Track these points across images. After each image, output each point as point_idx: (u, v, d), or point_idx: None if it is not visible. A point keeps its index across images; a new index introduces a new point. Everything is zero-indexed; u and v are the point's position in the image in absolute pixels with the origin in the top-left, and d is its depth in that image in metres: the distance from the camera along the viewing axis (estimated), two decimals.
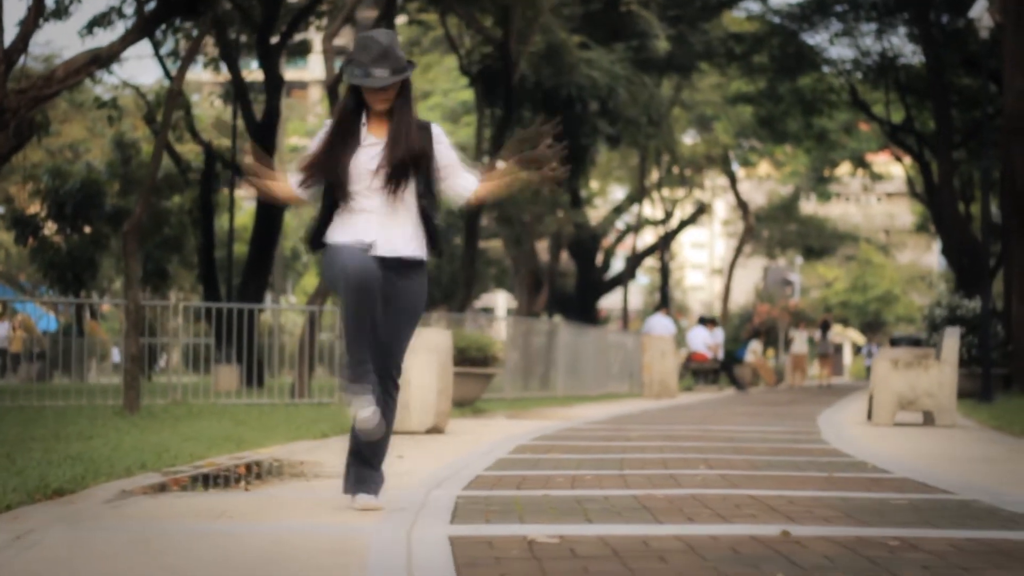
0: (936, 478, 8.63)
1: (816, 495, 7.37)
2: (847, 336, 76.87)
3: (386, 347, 6.56)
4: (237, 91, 32.80)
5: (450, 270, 45.70)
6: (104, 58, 19.45)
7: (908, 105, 38.48)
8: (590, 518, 6.25)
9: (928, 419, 16.02)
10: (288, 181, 6.67)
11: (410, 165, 6.52)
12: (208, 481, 8.10)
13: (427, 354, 13.10)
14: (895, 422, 16.11)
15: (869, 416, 16.15)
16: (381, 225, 6.51)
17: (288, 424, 13.89)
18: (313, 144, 6.66)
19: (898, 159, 44.96)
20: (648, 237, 60.26)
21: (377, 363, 6.53)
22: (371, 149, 6.54)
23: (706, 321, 34.86)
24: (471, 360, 18.50)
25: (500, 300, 75.90)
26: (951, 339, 15.64)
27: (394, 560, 5.03)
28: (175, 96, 17.18)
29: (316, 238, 6.59)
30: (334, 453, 10.46)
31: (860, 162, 50.72)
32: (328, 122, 6.75)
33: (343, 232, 6.50)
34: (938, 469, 9.45)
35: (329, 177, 6.53)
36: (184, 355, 33.53)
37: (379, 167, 6.47)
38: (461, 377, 18.31)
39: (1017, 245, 26.80)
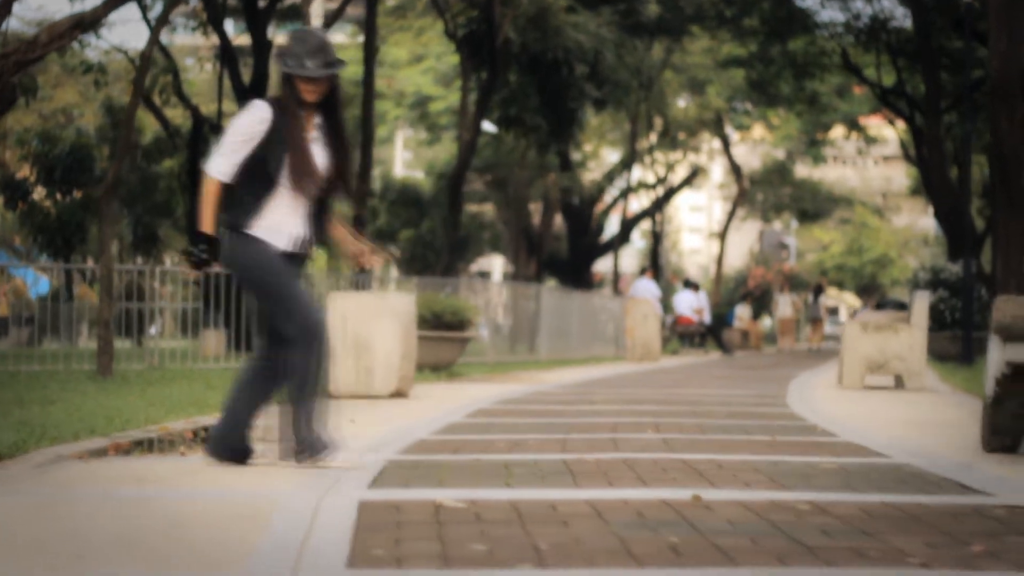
0: (879, 442, 8.64)
1: (748, 459, 7.38)
2: (843, 299, 76.87)
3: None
4: (224, 55, 32.72)
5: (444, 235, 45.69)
6: (88, 22, 19.35)
7: (899, 68, 38.33)
8: (510, 483, 6.26)
9: (899, 383, 16.04)
10: (214, 187, 6.76)
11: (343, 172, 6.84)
12: (149, 446, 8.11)
13: (390, 319, 13.11)
14: (866, 386, 16.12)
15: (840, 380, 16.18)
16: (303, 221, 6.78)
17: None
18: (244, 127, 6.68)
19: (891, 122, 44.84)
20: (644, 200, 60.19)
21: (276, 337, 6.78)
22: (313, 145, 6.77)
23: (691, 284, 34.85)
24: (447, 325, 18.51)
25: (497, 264, 75.90)
26: (921, 302, 15.64)
27: (296, 524, 5.03)
28: (146, 59, 17.12)
29: (243, 221, 6.67)
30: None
31: (853, 125, 50.60)
32: (260, 104, 6.75)
33: (273, 229, 6.72)
34: (886, 433, 9.46)
35: (279, 167, 6.70)
36: (176, 320, 33.55)
37: (318, 168, 6.76)
38: (437, 342, 18.34)
39: (1003, 208, 26.76)
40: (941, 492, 6.16)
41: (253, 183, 6.68)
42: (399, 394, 13.23)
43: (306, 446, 6.74)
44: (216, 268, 6.90)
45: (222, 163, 6.68)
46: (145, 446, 8.06)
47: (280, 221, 6.71)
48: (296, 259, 6.77)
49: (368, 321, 13.03)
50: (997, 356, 8.06)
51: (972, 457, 7.76)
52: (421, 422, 10.09)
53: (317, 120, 6.78)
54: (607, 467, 6.90)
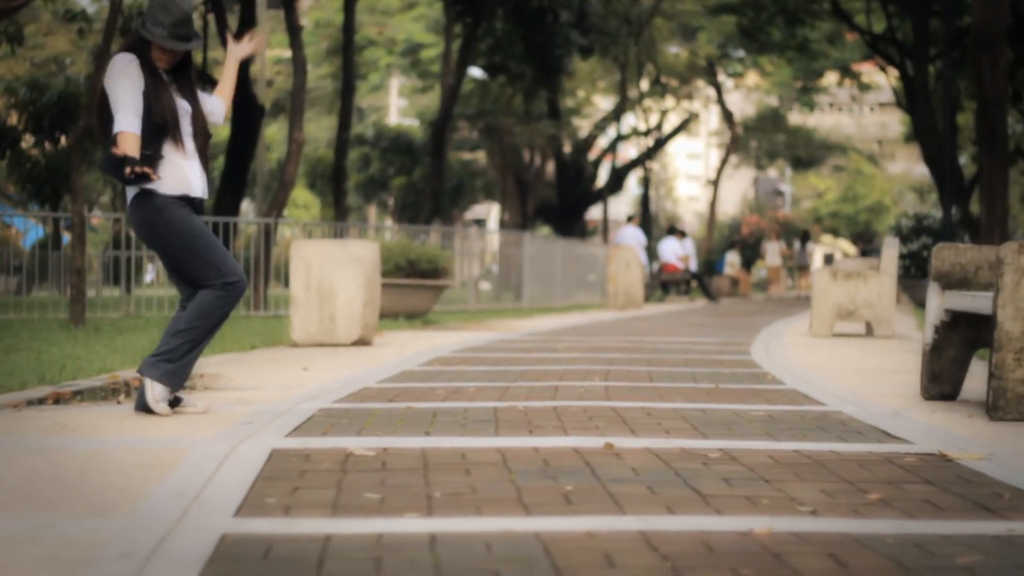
0: (824, 389, 8.66)
1: (679, 407, 7.39)
2: (838, 246, 76.83)
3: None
4: (210, 0, 32.56)
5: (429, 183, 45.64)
6: None
7: (889, 15, 38.13)
8: (430, 431, 6.28)
9: (869, 330, 16.06)
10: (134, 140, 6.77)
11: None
12: (91, 394, 8.12)
13: (352, 266, 13.10)
14: (835, 333, 16.14)
15: (811, 328, 16.19)
16: (199, 171, 6.94)
17: (225, 337, 13.93)
18: (127, 85, 6.69)
19: (883, 69, 44.65)
20: (638, 147, 60.04)
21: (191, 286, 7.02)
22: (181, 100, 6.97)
23: (675, 231, 34.77)
24: (421, 272, 18.51)
25: (493, 211, 75.85)
26: (890, 249, 15.64)
27: (201, 471, 5.05)
28: (116, 8, 17.06)
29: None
30: (243, 366, 10.52)
31: (846, 72, 50.42)
32: (123, 55, 6.75)
33: (175, 183, 6.84)
34: (835, 380, 9.47)
35: (171, 121, 6.84)
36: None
37: (199, 115, 6.98)
38: (411, 289, 18.35)
39: (986, 155, 26.71)
40: (860, 440, 6.17)
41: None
42: (362, 342, 13.26)
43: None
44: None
45: (129, 116, 6.72)
46: (86, 395, 8.07)
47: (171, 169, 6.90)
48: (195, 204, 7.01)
49: (331, 269, 13.04)
50: (936, 303, 8.08)
51: (908, 405, 7.77)
52: (373, 370, 10.11)
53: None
54: (534, 415, 6.91)
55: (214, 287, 6.82)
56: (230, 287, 6.84)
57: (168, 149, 6.80)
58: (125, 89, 6.69)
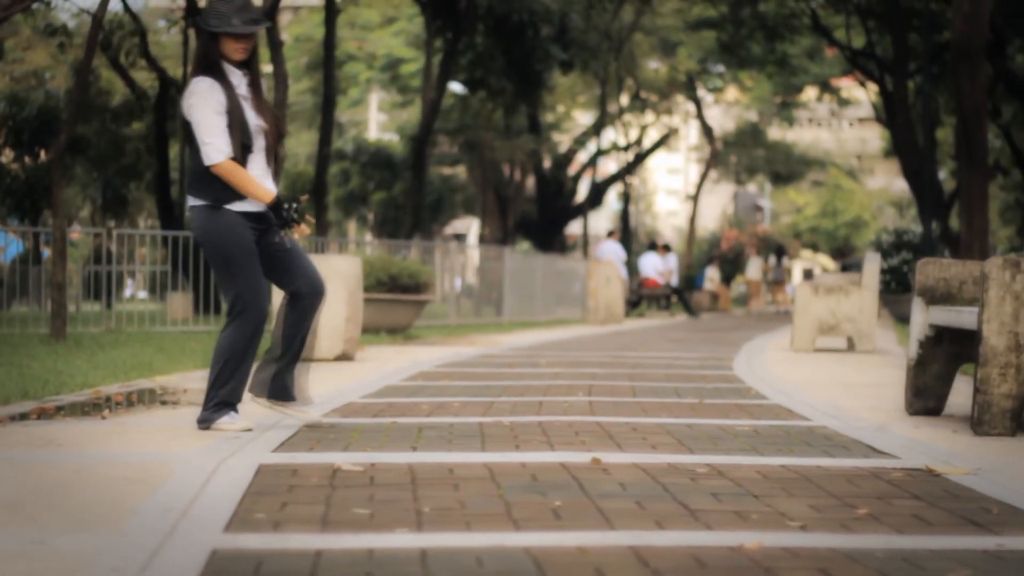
0: (807, 404, 8.68)
1: (665, 422, 7.40)
2: (817, 261, 76.99)
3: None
4: (191, 16, 32.55)
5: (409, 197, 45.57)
6: None
7: (869, 30, 38.29)
8: (417, 446, 6.27)
9: (851, 345, 16.09)
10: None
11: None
12: (74, 409, 8.09)
13: (335, 281, 13.08)
14: (817, 348, 16.17)
15: (792, 343, 16.22)
16: (271, 179, 6.92)
17: (208, 352, 13.90)
18: (211, 104, 6.67)
19: (862, 84, 44.84)
20: (618, 162, 60.08)
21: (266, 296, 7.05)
22: (247, 103, 6.85)
23: (656, 246, 34.75)
24: (403, 287, 18.50)
25: (473, 226, 75.86)
26: (871, 264, 15.68)
27: (189, 486, 5.04)
28: (98, 20, 17.03)
29: (225, 196, 6.77)
30: None
31: (825, 87, 50.59)
32: (203, 79, 6.72)
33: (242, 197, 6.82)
34: (818, 395, 9.49)
35: (254, 141, 6.83)
36: (146, 282, 33.46)
37: (269, 123, 6.86)
38: (392, 304, 18.34)
39: (966, 169, 26.80)
40: (846, 455, 6.18)
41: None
42: (345, 357, 13.25)
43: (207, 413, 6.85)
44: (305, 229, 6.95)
45: (219, 143, 6.69)
46: (70, 410, 8.04)
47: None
48: (266, 218, 6.90)
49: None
50: (920, 319, 8.10)
51: (892, 419, 7.79)
52: (357, 385, 10.11)
53: (245, 78, 6.82)
54: (520, 430, 6.91)
55: (231, 314, 6.83)
56: (246, 315, 6.80)
57: (251, 165, 6.80)
58: (209, 114, 6.67)
